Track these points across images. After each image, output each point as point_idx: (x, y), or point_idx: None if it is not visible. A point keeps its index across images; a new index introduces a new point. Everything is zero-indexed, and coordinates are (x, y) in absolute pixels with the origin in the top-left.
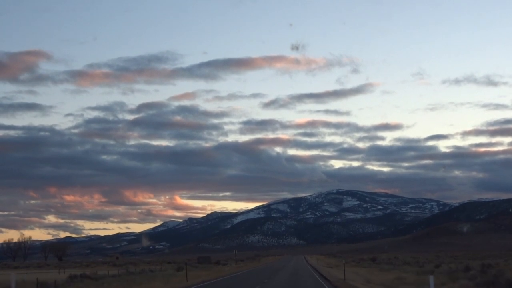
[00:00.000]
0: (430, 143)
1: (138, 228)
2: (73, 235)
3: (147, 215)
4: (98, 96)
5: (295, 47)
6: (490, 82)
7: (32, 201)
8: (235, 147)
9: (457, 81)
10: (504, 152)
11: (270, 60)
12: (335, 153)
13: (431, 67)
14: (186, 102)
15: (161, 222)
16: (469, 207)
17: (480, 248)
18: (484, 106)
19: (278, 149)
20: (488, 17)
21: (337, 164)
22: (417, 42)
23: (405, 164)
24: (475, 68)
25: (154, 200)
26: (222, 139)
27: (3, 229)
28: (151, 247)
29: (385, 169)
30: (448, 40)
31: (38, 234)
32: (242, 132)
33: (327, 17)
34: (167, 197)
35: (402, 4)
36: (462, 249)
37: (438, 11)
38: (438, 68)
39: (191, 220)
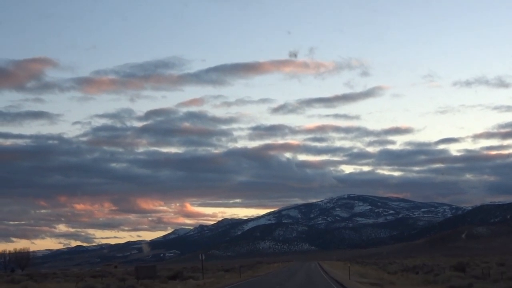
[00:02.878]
0: (441, 146)
1: (149, 236)
2: (84, 244)
3: (158, 223)
4: (106, 103)
5: (293, 54)
6: (501, 83)
7: (43, 210)
8: (245, 153)
9: (468, 83)
10: None
11: (278, 64)
12: (345, 158)
13: (441, 69)
14: (194, 108)
15: (172, 230)
16: (482, 210)
17: (499, 251)
18: (496, 108)
19: (288, 155)
20: (499, 17)
21: (347, 169)
22: (427, 43)
23: (416, 168)
24: (486, 69)
25: (164, 208)
26: (231, 145)
27: (14, 239)
28: (161, 255)
29: (396, 174)
30: (458, 41)
31: (49, 244)
32: (251, 138)
33: (336, 20)
34: (178, 204)
35: (412, 6)
36: (482, 253)
37: (449, 12)
38: (448, 70)
39: (202, 227)
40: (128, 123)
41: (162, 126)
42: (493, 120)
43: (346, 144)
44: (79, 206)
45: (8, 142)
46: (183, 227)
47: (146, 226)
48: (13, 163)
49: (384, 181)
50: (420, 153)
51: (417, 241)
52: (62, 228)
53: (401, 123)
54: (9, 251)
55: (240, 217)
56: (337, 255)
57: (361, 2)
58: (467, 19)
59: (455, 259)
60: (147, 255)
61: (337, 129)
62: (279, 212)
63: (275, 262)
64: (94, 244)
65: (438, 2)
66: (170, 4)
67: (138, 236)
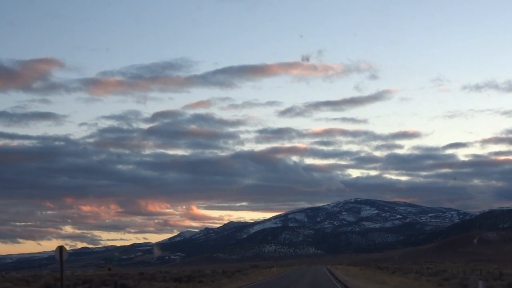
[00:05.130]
0: (449, 151)
1: (155, 238)
2: (90, 246)
3: (164, 225)
4: (112, 105)
5: (306, 58)
6: (511, 88)
7: (49, 212)
8: (252, 156)
9: (477, 87)
10: None
11: (286, 66)
12: (352, 162)
13: (450, 73)
14: (201, 110)
15: (178, 232)
16: (491, 216)
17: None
18: (505, 113)
19: (295, 158)
20: (510, 22)
21: (354, 173)
22: (437, 47)
23: (424, 173)
24: (496, 73)
25: (171, 210)
26: (238, 148)
27: (21, 240)
28: (166, 257)
29: (403, 178)
30: (468, 45)
31: (56, 245)
32: (258, 140)
33: (344, 22)
34: (184, 207)
35: (421, 8)
36: (493, 258)
37: (459, 15)
38: (458, 73)
39: (207, 230)
40: (135, 125)
41: (168, 128)
42: (502, 125)
43: (354, 148)
44: (86, 208)
45: (15, 142)
46: (189, 229)
47: (152, 229)
48: (19, 164)
49: (391, 186)
50: (428, 158)
51: (425, 246)
52: (68, 229)
53: (409, 127)
54: None
55: (246, 220)
56: (344, 259)
57: (370, 5)
58: (477, 23)
59: (479, 265)
60: (152, 258)
61: (344, 132)
62: (285, 215)
63: (272, 267)
64: (100, 246)
65: (448, 6)
66: (178, 5)
67: (144, 238)
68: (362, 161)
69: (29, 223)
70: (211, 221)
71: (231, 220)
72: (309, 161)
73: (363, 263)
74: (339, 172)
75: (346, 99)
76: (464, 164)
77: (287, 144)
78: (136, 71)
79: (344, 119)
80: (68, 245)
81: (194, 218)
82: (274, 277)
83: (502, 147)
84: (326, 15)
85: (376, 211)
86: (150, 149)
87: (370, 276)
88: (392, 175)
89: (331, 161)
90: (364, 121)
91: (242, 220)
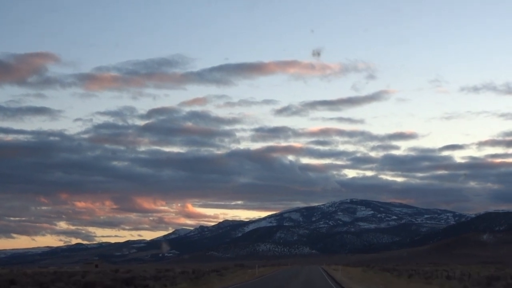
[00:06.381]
0: (445, 153)
1: (150, 235)
2: (85, 242)
3: (159, 223)
4: (107, 101)
5: (317, 53)
6: (509, 90)
7: (43, 207)
8: (247, 155)
9: (475, 89)
10: None
11: (283, 65)
12: (348, 162)
13: (449, 74)
14: (197, 108)
15: (173, 230)
16: (486, 218)
17: (509, 259)
18: (502, 115)
19: (291, 157)
20: (509, 23)
21: (350, 173)
22: (436, 47)
23: (420, 174)
24: (494, 75)
25: (166, 208)
26: (234, 146)
27: (15, 235)
28: (160, 255)
29: (399, 179)
30: (467, 46)
31: (50, 241)
32: (254, 139)
33: (343, 22)
34: (179, 205)
35: (420, 10)
36: (491, 260)
37: (458, 17)
38: (456, 75)
39: (202, 228)
40: (130, 121)
41: (164, 125)
42: (499, 127)
43: (350, 148)
44: (80, 204)
45: (9, 137)
46: (184, 227)
47: (147, 226)
48: (13, 159)
49: (387, 187)
50: (424, 159)
51: (420, 247)
52: (62, 225)
53: (406, 128)
54: None
55: (241, 219)
56: (339, 259)
57: (369, 5)
58: (476, 25)
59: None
60: (146, 255)
61: (341, 132)
62: (280, 214)
63: (262, 266)
64: (94, 242)
65: (447, 7)
66: (175, 2)
67: (139, 235)
68: (358, 161)
69: (23, 218)
70: (206, 219)
71: (226, 219)
72: (305, 160)
73: (361, 264)
74: (335, 172)
75: (343, 98)
76: (460, 166)
77: (283, 143)
78: (132, 67)
79: (340, 119)
80: (63, 241)
81: (189, 216)
82: (253, 281)
83: (499, 150)
84: (325, 14)
85: (372, 212)
86: (145, 146)
87: (388, 283)
88: (388, 176)
89: (327, 161)
90: (361, 121)
91: (237, 218)
